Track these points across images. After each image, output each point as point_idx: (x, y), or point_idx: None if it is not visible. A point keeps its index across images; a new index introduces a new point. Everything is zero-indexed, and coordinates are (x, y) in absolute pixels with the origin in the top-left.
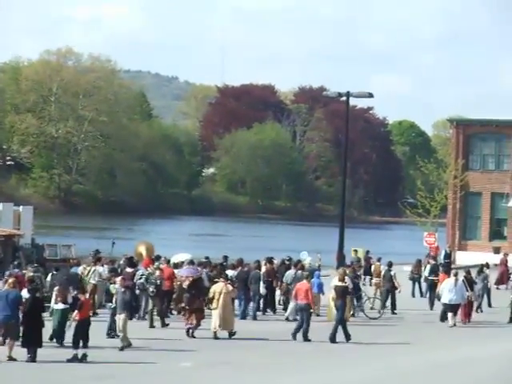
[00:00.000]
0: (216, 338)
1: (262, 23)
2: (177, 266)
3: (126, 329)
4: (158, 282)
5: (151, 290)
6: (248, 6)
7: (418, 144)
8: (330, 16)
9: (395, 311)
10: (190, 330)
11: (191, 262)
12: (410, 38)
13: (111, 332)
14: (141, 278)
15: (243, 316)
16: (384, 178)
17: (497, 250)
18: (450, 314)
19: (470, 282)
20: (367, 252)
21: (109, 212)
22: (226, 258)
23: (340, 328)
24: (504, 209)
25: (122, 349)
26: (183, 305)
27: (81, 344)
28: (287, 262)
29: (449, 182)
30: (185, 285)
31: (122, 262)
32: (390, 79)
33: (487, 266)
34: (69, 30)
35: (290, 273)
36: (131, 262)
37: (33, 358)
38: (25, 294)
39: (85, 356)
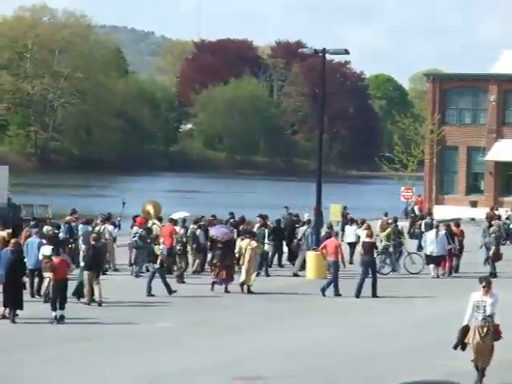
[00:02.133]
0: (242, 291)
1: None
2: (175, 223)
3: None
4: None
5: (178, 248)
6: None
7: (395, 98)
8: None
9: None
10: (221, 285)
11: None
12: None
13: (149, 292)
14: (134, 237)
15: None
16: (361, 132)
17: (474, 204)
18: (431, 266)
19: (451, 235)
20: (344, 208)
21: (86, 169)
22: (232, 214)
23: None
24: (480, 163)
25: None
26: (214, 261)
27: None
28: (294, 218)
29: (425, 137)
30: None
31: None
32: (366, 33)
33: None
34: None
35: (302, 229)
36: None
37: (12, 319)
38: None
39: (62, 317)
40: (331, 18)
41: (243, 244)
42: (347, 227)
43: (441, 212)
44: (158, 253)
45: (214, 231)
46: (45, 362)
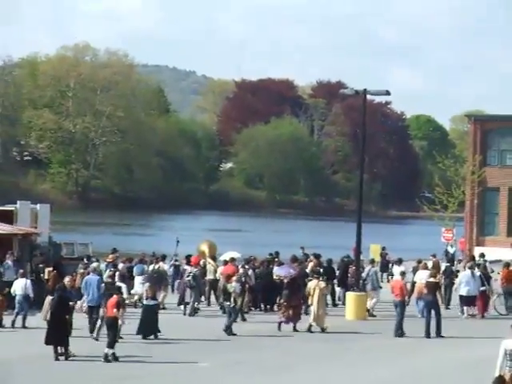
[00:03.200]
0: (310, 331)
1: (276, 18)
2: (226, 263)
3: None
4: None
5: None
6: (261, 1)
7: (436, 138)
8: (343, 11)
9: (449, 307)
10: (288, 323)
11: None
12: (427, 32)
13: (227, 329)
14: (188, 276)
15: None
16: (401, 172)
17: None
18: (465, 308)
19: (486, 277)
20: (383, 248)
21: (126, 207)
22: (277, 253)
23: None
24: None
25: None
26: (282, 301)
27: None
28: (346, 260)
29: (466, 178)
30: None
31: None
32: (407, 73)
33: None
34: (82, 23)
35: (366, 269)
36: (189, 261)
37: (56, 357)
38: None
39: (114, 356)
40: (372, 58)
41: (311, 284)
42: (395, 267)
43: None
44: (231, 290)
45: (280, 271)
46: None
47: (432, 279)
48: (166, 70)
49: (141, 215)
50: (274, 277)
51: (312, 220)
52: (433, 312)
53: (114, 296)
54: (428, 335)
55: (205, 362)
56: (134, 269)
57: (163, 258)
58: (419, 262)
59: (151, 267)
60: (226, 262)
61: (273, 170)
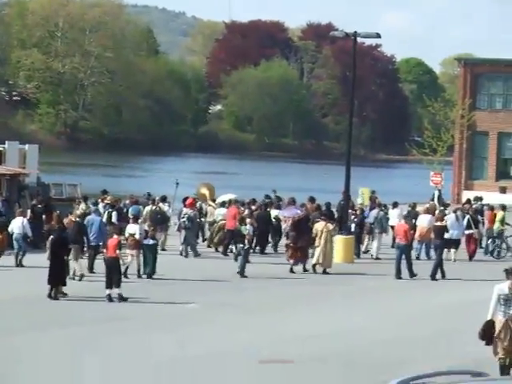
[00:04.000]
0: (314, 272)
1: None
2: (223, 205)
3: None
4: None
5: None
6: None
7: (426, 82)
8: None
9: None
10: (296, 265)
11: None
12: None
13: (241, 271)
14: (183, 217)
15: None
16: (391, 116)
17: (503, 190)
18: (452, 250)
19: (475, 221)
20: (373, 192)
21: (114, 149)
22: (268, 196)
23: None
24: (511, 148)
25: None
26: (288, 242)
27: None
28: (342, 203)
29: (456, 122)
30: (287, 224)
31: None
32: (397, 16)
33: None
34: None
35: (373, 213)
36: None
37: (54, 296)
38: None
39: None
40: (363, 1)
41: (319, 226)
42: (390, 210)
43: (470, 197)
44: (245, 233)
45: (286, 212)
46: (72, 341)
47: (439, 223)
48: (156, 10)
49: (129, 157)
50: (281, 218)
51: (301, 163)
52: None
53: (115, 237)
54: (434, 277)
55: (194, 303)
56: (130, 210)
57: (163, 199)
58: (413, 206)
59: (148, 208)
60: (223, 204)
61: (262, 113)
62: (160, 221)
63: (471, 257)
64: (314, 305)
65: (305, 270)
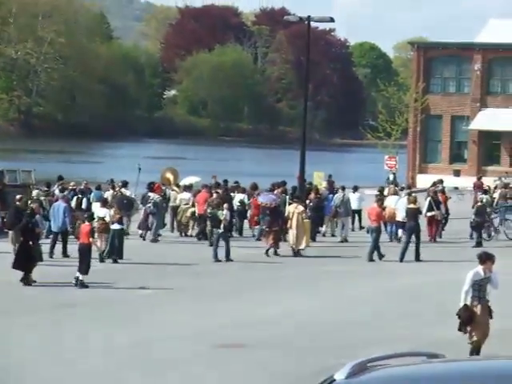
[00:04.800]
0: (294, 254)
1: None
2: (186, 188)
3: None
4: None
5: (209, 211)
6: None
7: (379, 66)
8: None
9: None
10: (270, 249)
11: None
12: None
13: (216, 258)
14: (149, 203)
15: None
16: (345, 100)
17: (457, 173)
18: (400, 231)
19: (436, 202)
20: (329, 176)
21: (69, 135)
22: (226, 181)
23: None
24: (464, 132)
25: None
26: (264, 227)
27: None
28: (308, 186)
29: (409, 105)
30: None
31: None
32: (350, 0)
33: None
34: None
35: (338, 196)
36: (151, 188)
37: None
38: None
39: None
40: None
41: (291, 208)
42: (351, 194)
43: (424, 180)
44: (222, 218)
45: (262, 198)
46: (24, 327)
47: (412, 205)
48: None
49: (84, 143)
50: (260, 203)
51: (256, 148)
52: (413, 237)
53: (87, 223)
54: (402, 259)
55: (150, 289)
56: (92, 195)
57: (124, 184)
58: (381, 190)
59: (108, 193)
60: (186, 188)
61: (216, 98)
62: (126, 206)
63: (434, 238)
64: (270, 289)
65: (276, 254)
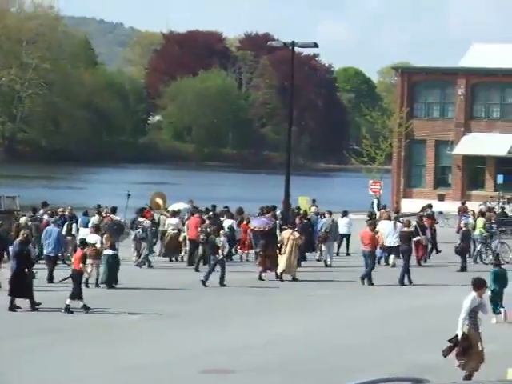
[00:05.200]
0: (281, 280)
1: None
2: (174, 214)
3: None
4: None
5: (202, 237)
6: None
7: (364, 91)
8: None
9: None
10: (265, 272)
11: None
12: None
13: (205, 280)
14: (137, 228)
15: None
16: (330, 125)
17: (441, 198)
18: (391, 256)
19: (422, 228)
20: (313, 201)
21: (53, 160)
22: (214, 207)
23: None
24: (448, 156)
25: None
26: (258, 250)
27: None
28: (296, 210)
29: (393, 130)
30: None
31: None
32: (334, 26)
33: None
34: None
35: (326, 221)
36: (141, 213)
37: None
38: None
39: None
40: (300, 10)
41: (285, 234)
42: (340, 219)
43: (408, 205)
44: (219, 244)
45: (255, 222)
46: (14, 352)
47: (406, 229)
48: (93, 22)
49: (68, 168)
50: (253, 228)
51: (240, 173)
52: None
53: (79, 250)
54: (402, 282)
55: (136, 315)
56: (79, 221)
57: (113, 210)
58: (370, 215)
59: (95, 218)
60: (174, 213)
61: (201, 123)
62: (117, 231)
63: (419, 262)
64: (261, 313)
65: (277, 278)
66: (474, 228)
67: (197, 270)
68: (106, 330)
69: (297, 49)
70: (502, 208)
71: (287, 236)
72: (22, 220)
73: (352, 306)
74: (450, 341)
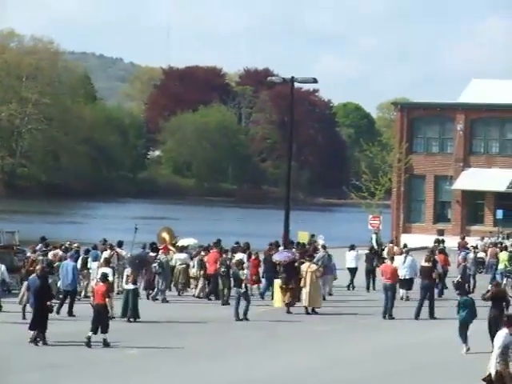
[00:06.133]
0: (307, 313)
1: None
2: (182, 249)
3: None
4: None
5: (222, 269)
6: None
7: (363, 126)
8: None
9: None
10: (292, 306)
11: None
12: (354, 19)
13: (237, 317)
14: (155, 263)
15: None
16: (329, 160)
17: (441, 233)
18: (401, 290)
19: (433, 262)
20: (312, 235)
21: (54, 195)
22: (219, 241)
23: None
24: (448, 191)
25: None
26: (280, 284)
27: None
28: (307, 246)
29: (393, 165)
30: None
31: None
32: (334, 61)
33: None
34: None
35: (322, 255)
36: (153, 248)
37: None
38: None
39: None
40: (299, 44)
41: (303, 267)
42: (347, 253)
43: (408, 240)
44: (243, 277)
45: (277, 256)
46: None
47: (426, 264)
48: (93, 57)
49: (68, 203)
50: (274, 261)
51: (240, 208)
52: (428, 295)
53: (102, 284)
54: (417, 317)
55: (134, 350)
56: (89, 255)
57: (120, 244)
58: (371, 249)
59: (106, 253)
60: (181, 248)
61: (201, 158)
62: (138, 265)
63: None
64: (266, 347)
65: (288, 312)
66: (482, 263)
67: (223, 303)
68: (111, 365)
69: (296, 84)
70: None
71: (305, 269)
72: (34, 256)
73: (353, 340)
74: (484, 380)
